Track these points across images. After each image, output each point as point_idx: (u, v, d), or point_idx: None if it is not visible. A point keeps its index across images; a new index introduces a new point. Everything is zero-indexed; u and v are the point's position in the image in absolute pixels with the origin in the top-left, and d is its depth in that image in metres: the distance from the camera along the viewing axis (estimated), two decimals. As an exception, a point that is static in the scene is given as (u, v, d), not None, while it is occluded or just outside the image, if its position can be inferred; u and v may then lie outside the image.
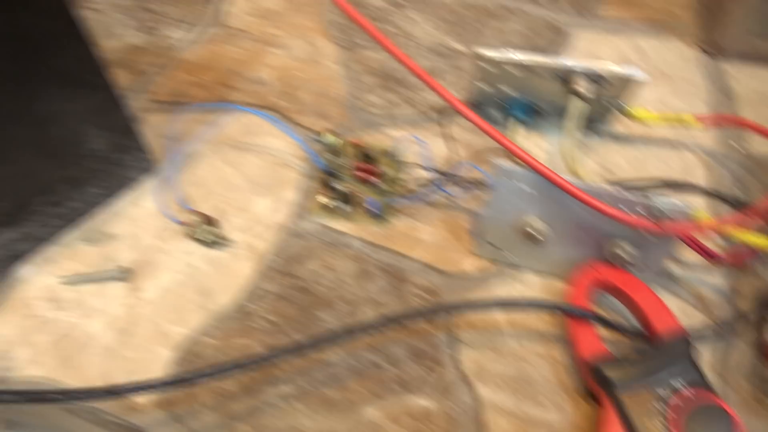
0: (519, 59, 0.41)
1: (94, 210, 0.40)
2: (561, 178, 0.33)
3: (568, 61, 0.41)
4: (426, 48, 0.52)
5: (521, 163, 0.34)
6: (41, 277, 0.37)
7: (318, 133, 0.42)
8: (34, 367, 0.34)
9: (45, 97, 0.33)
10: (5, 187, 0.34)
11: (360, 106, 0.47)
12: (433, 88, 0.36)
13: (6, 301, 0.36)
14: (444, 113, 0.47)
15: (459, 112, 0.36)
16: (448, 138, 0.45)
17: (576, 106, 0.41)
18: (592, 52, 0.53)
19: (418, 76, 0.36)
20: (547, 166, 0.33)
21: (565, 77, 0.41)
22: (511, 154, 0.34)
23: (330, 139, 0.41)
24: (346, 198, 0.40)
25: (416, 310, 0.33)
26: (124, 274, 0.37)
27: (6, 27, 0.30)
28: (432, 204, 0.41)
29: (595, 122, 0.45)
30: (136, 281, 0.37)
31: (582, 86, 0.40)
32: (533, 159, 0.34)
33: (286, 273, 0.38)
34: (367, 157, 0.42)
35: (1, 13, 0.29)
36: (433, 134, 0.45)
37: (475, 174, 0.42)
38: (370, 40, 0.54)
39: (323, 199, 0.40)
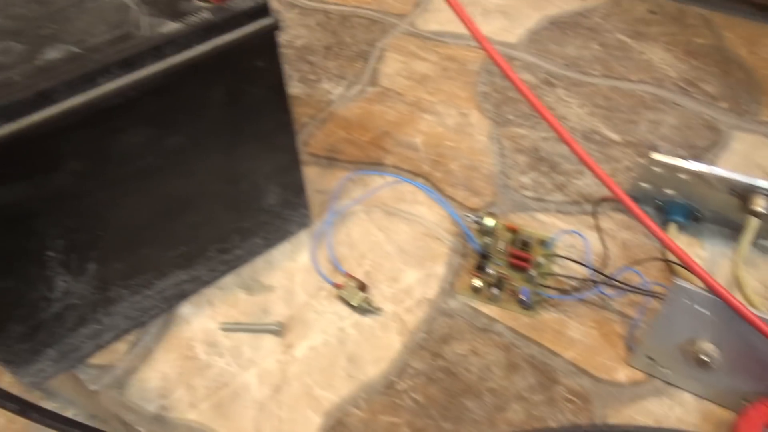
0: (696, 169, 0.40)
1: (253, 259, 0.42)
2: (749, 310, 0.32)
3: (750, 179, 0.39)
4: (577, 132, 0.52)
5: (695, 278, 0.33)
6: (201, 319, 0.39)
7: (477, 213, 0.42)
8: (191, 411, 0.35)
9: (245, 157, 0.35)
10: (191, 233, 0.36)
11: (510, 185, 0.47)
12: (599, 178, 0.35)
13: (168, 338, 0.38)
14: (598, 205, 0.46)
15: (630, 212, 0.35)
16: (600, 231, 0.44)
17: (751, 225, 0.39)
18: (750, 157, 0.51)
19: (584, 162, 0.36)
20: (729, 292, 0.32)
21: (742, 193, 0.40)
22: (688, 269, 0.33)
23: (489, 221, 0.41)
24: (497, 283, 0.40)
25: (575, 427, 0.32)
26: (279, 329, 0.38)
27: (228, 96, 0.32)
28: (584, 301, 0.40)
29: (761, 238, 0.43)
30: (288, 337, 0.38)
31: (761, 205, 0.39)
32: (719, 285, 0.32)
33: (433, 353, 0.38)
34: (523, 244, 0.41)
35: (223, 85, 0.31)
36: (583, 225, 0.45)
37: (633, 277, 0.41)
38: (521, 116, 0.54)
39: (475, 282, 0.40)
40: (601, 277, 0.40)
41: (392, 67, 0.57)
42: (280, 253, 0.42)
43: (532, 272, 0.40)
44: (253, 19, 0.30)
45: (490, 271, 0.40)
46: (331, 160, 0.49)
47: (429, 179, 0.48)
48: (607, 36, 0.62)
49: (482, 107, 0.54)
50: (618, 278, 0.40)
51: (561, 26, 0.63)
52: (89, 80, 0.26)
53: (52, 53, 0.27)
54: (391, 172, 0.48)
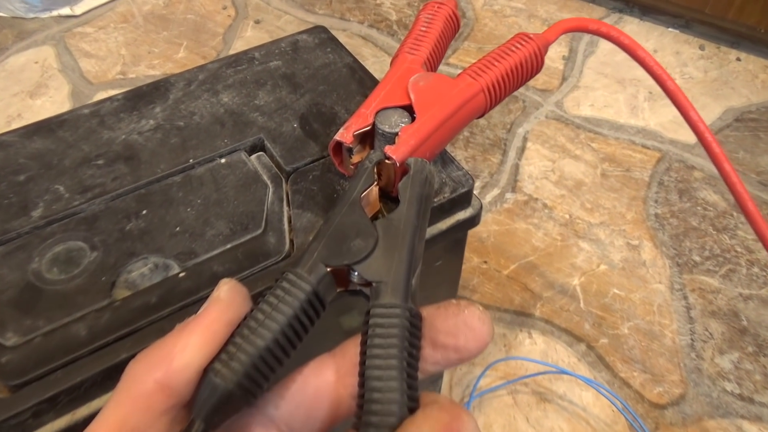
0: None
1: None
2: None
3: None
4: (784, 288, 0.39)
5: None
6: None
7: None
8: None
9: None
10: None
11: (704, 370, 0.35)
12: None
13: None
14: (830, 420, 0.33)
15: None
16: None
17: None
18: None
19: None
20: None
21: None
22: None
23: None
24: None
25: None
26: None
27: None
28: None
29: None
30: None
31: None
32: None
33: None
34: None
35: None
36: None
37: None
38: (711, 257, 0.40)
39: None
40: None
41: (537, 166, 0.46)
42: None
43: None
44: (447, 214, 0.19)
45: None
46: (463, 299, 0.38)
47: (593, 347, 0.36)
48: (811, 145, 0.49)
49: (657, 238, 0.41)
50: None
51: (750, 125, 0.50)
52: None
53: (138, 272, 0.16)
54: (541, 329, 0.36)
